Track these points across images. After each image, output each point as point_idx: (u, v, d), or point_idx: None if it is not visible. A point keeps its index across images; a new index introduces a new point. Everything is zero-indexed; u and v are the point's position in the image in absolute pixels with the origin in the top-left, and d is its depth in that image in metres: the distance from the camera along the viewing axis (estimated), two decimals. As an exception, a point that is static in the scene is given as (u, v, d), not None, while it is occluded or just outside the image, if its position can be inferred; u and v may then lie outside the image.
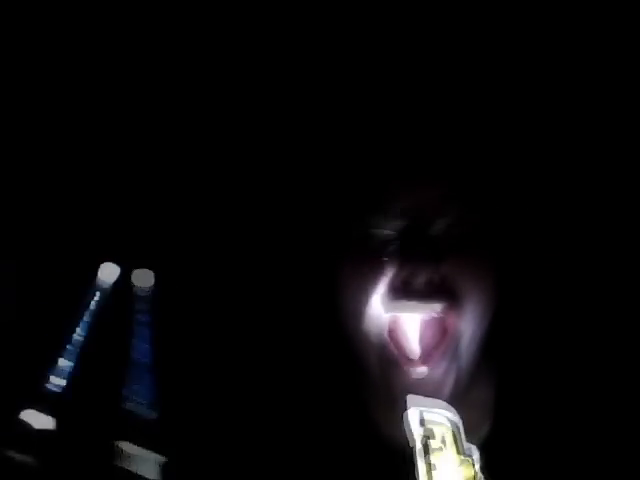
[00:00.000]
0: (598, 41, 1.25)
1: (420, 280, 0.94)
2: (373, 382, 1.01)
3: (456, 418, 0.84)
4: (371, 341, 0.97)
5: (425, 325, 0.95)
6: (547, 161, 1.20)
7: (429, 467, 0.85)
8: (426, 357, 0.96)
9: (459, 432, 0.84)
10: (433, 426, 0.85)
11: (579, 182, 1.24)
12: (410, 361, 0.96)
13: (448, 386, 0.96)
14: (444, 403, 0.85)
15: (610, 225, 1.25)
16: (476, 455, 0.84)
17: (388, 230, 0.97)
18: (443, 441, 0.85)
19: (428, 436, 0.85)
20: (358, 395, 1.07)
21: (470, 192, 0.98)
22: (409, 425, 0.85)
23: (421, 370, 0.95)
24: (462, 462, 0.84)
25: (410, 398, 0.86)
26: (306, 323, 1.17)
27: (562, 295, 1.19)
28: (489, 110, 1.08)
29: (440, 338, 0.96)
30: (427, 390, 0.91)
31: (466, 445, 0.85)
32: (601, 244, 1.24)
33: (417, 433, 0.85)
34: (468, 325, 0.96)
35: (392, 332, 0.96)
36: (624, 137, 1.26)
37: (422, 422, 0.85)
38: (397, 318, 0.96)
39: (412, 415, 0.85)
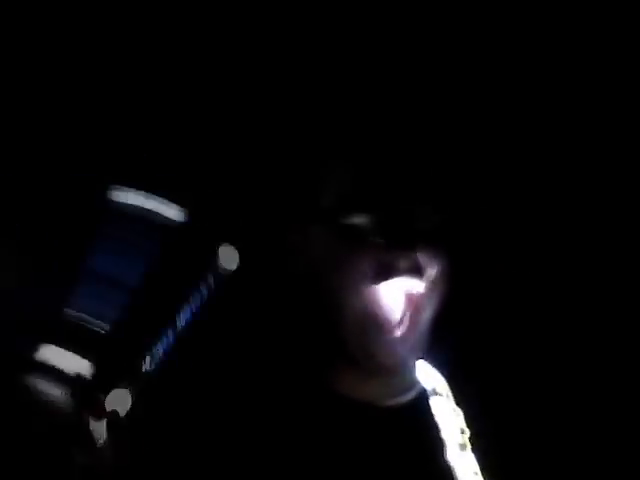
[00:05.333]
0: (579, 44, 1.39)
1: (399, 264, 1.22)
2: (354, 351, 1.26)
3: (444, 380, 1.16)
4: (353, 311, 1.24)
5: (399, 298, 1.23)
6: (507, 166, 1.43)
7: (442, 407, 1.16)
8: (402, 322, 1.24)
9: (450, 391, 1.16)
10: (436, 377, 1.17)
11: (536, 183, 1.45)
12: (391, 325, 1.23)
13: (418, 346, 1.25)
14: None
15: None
16: (461, 414, 1.14)
17: (373, 223, 1.23)
18: (442, 391, 1.16)
19: (436, 383, 1.17)
20: (332, 361, 1.30)
21: (437, 198, 1.26)
22: (421, 372, 1.18)
23: (400, 331, 1.23)
24: (453, 412, 1.15)
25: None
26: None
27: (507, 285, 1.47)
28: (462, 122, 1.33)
29: (410, 307, 1.24)
30: (403, 349, 1.22)
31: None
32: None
33: (428, 379, 1.17)
34: (431, 299, 1.25)
35: (374, 303, 1.23)
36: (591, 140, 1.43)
37: (429, 373, 1.18)
38: (378, 292, 1.23)
39: (422, 367, 1.18)
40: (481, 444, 1.14)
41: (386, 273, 1.22)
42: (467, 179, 1.32)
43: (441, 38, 1.38)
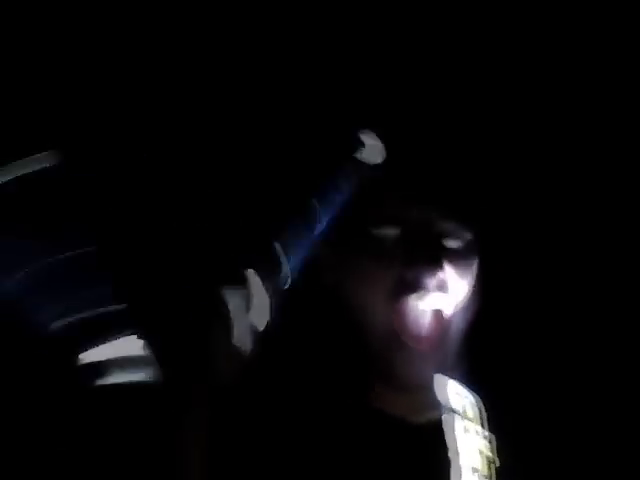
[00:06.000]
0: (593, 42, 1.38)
1: (425, 278, 1.21)
2: (376, 364, 1.25)
3: (479, 402, 1.16)
4: (378, 327, 1.23)
5: (426, 315, 1.23)
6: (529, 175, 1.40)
7: (464, 429, 1.15)
8: (427, 339, 1.23)
9: (481, 412, 1.16)
10: (467, 398, 1.16)
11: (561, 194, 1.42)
12: (414, 342, 1.22)
13: (442, 362, 1.23)
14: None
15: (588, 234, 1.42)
16: (492, 439, 1.15)
17: (400, 238, 1.23)
18: (472, 413, 1.16)
19: (464, 404, 1.16)
20: (360, 378, 1.28)
21: (463, 210, 1.26)
22: (448, 391, 1.17)
23: (424, 349, 1.22)
24: (483, 437, 1.14)
25: (437, 377, 1.19)
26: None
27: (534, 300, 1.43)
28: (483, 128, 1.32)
29: (436, 324, 1.23)
30: (427, 365, 1.21)
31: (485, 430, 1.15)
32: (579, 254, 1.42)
33: (456, 399, 1.16)
34: (458, 318, 1.25)
35: (399, 319, 1.22)
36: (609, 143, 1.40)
37: (458, 393, 1.16)
38: (404, 308, 1.22)
39: (451, 386, 1.17)
40: (507, 468, 1.14)
41: (412, 289, 1.21)
42: (496, 196, 1.31)
43: (468, 53, 1.38)
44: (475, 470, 1.12)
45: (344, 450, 1.22)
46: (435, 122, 1.31)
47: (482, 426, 1.15)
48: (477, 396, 1.18)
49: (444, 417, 1.16)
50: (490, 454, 1.13)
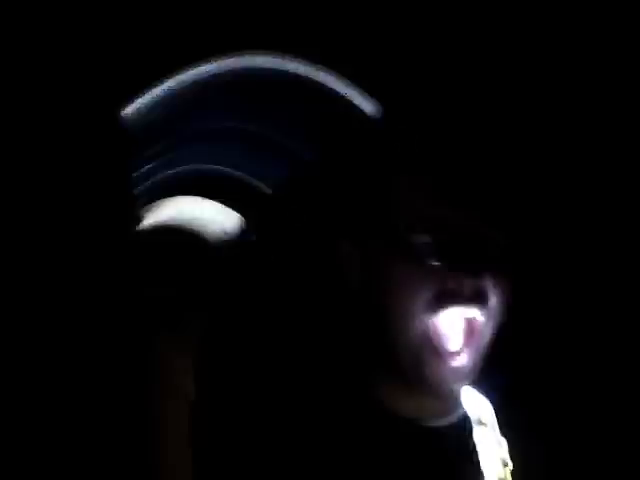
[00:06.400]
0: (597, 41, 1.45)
1: (463, 289, 1.20)
2: (406, 373, 1.25)
3: (492, 406, 1.18)
4: (411, 333, 1.22)
5: (459, 325, 1.22)
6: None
7: (480, 434, 1.17)
8: (461, 350, 1.22)
9: (494, 419, 1.17)
10: (482, 406, 1.19)
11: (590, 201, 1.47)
12: (449, 353, 1.22)
13: (473, 373, 1.23)
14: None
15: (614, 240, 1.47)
16: (505, 445, 1.16)
17: (433, 243, 1.21)
18: (487, 420, 1.18)
19: (479, 410, 1.18)
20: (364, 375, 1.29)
21: (500, 216, 1.25)
22: (467, 400, 1.19)
23: (459, 360, 1.22)
24: (496, 443, 1.16)
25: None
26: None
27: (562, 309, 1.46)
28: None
29: (470, 335, 1.23)
30: (459, 377, 1.22)
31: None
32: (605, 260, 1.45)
33: (474, 407, 1.18)
34: (490, 326, 1.24)
35: (432, 329, 1.21)
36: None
37: (475, 400, 1.19)
38: (439, 318, 1.21)
39: (469, 393, 1.20)
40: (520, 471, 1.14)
41: (448, 300, 1.20)
42: (532, 205, 1.35)
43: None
44: (492, 476, 1.14)
45: (347, 448, 1.23)
46: (470, 126, 1.31)
47: (496, 430, 1.17)
48: (489, 399, 1.19)
49: (461, 422, 1.19)
50: (504, 458, 1.15)
